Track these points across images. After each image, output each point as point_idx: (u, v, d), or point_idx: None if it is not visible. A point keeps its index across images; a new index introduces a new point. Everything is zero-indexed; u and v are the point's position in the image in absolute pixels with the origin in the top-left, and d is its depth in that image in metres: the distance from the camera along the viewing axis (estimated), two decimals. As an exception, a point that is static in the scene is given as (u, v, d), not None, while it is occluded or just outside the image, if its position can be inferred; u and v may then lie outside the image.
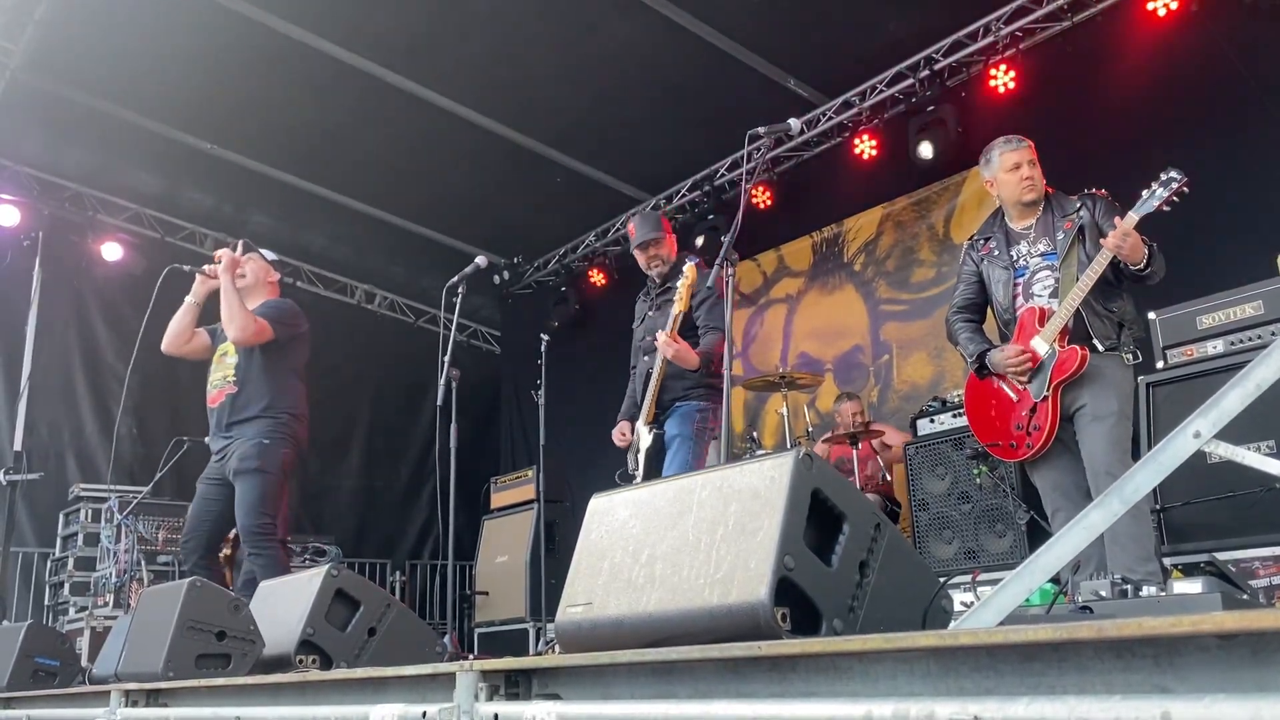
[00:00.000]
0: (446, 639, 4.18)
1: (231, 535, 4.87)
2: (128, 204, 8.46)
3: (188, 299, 4.70)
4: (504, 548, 7.32)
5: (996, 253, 3.81)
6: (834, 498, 1.64)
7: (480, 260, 5.01)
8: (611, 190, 8.29)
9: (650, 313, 4.62)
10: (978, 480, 4.93)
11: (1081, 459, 3.51)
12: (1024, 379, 3.62)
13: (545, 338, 5.96)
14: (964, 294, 3.93)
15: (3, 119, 7.18)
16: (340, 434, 9.33)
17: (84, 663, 5.03)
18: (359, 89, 6.90)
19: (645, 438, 4.36)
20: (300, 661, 2.91)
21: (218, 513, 4.45)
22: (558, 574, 5.75)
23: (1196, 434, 1.49)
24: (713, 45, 6.40)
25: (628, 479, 4.43)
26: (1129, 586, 2.44)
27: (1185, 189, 3.38)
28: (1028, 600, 1.67)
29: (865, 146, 6.95)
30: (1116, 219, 3.44)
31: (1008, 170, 3.74)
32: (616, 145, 7.68)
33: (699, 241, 7.60)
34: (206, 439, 4.61)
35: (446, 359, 4.78)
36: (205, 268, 4.71)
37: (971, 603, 2.39)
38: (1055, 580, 2.56)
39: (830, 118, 7.10)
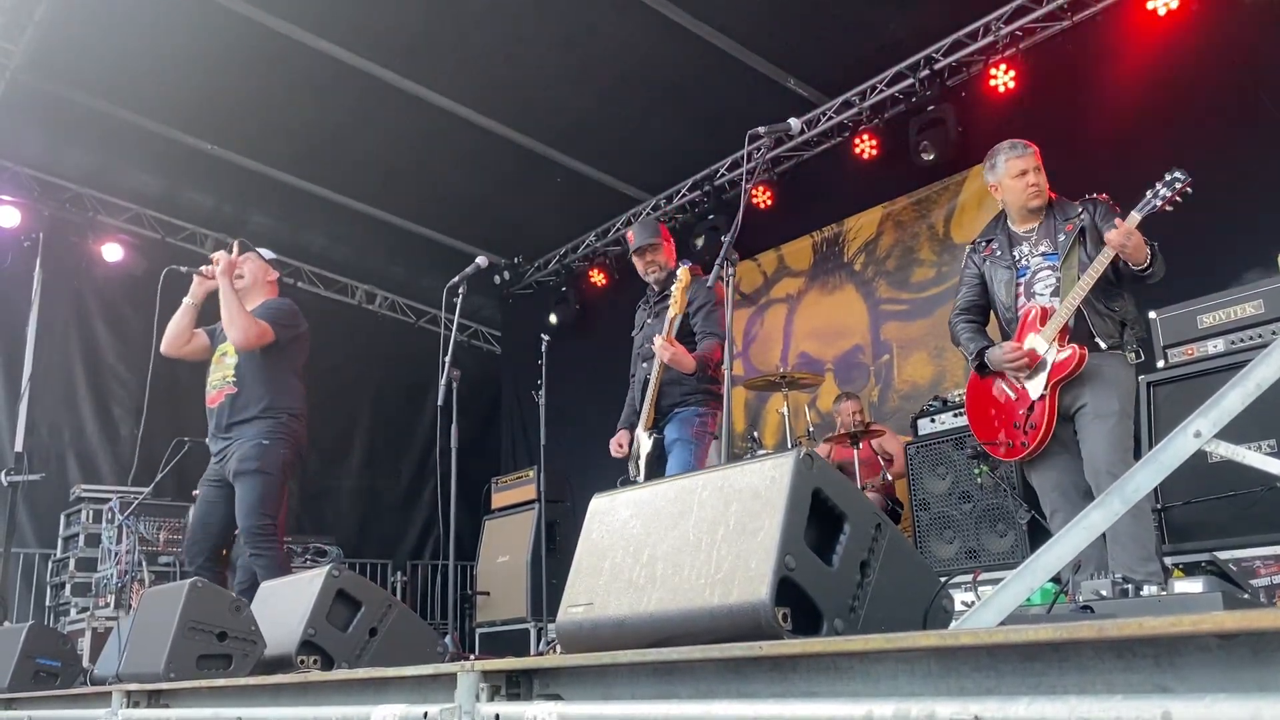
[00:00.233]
0: (448, 639, 4.18)
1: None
2: (128, 204, 8.46)
3: (186, 300, 4.70)
4: (505, 548, 7.33)
5: (999, 253, 3.81)
6: (835, 497, 1.64)
7: (481, 260, 5.01)
8: (612, 190, 8.30)
9: (649, 320, 4.62)
10: (979, 480, 4.93)
11: (1080, 459, 3.51)
12: (1023, 376, 3.62)
13: (546, 338, 5.95)
14: (966, 296, 3.94)
15: (3, 120, 7.19)
16: (341, 434, 9.33)
17: (85, 663, 5.03)
18: (359, 89, 6.90)
19: (645, 443, 4.36)
20: (301, 662, 2.91)
21: (221, 514, 4.45)
22: (559, 574, 5.75)
23: (1197, 433, 1.50)
24: (713, 45, 6.40)
25: (629, 485, 4.42)
26: (1130, 586, 2.44)
27: (1189, 189, 3.39)
28: (1029, 600, 1.67)
29: (865, 146, 6.95)
30: (1117, 220, 3.45)
31: (1013, 176, 3.74)
32: (617, 145, 7.68)
33: (699, 242, 7.61)
34: (207, 440, 4.61)
35: (447, 359, 4.78)
36: (203, 269, 4.71)
37: (972, 602, 2.39)
38: (1056, 580, 2.56)
39: (830, 117, 7.10)
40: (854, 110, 6.98)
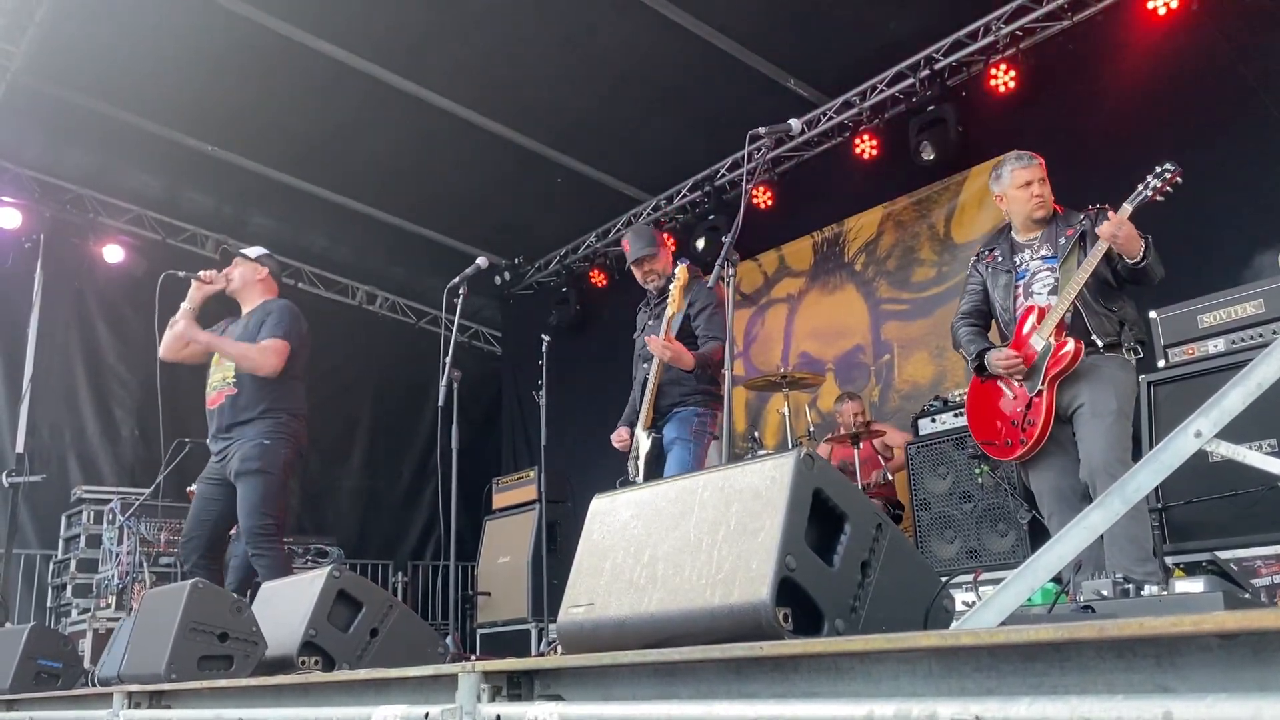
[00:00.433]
0: (449, 640, 4.18)
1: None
2: (129, 206, 8.47)
3: (184, 305, 4.71)
4: (506, 548, 7.33)
5: (1000, 260, 3.84)
6: (835, 498, 1.64)
7: (481, 261, 5.01)
8: (612, 191, 8.30)
9: (649, 322, 4.62)
10: (979, 480, 4.93)
11: (1077, 461, 3.51)
12: (1020, 377, 3.62)
13: (546, 338, 5.96)
14: (969, 302, 3.96)
15: (4, 121, 7.19)
16: (342, 435, 9.33)
17: (87, 664, 5.03)
18: (359, 90, 6.90)
19: (644, 443, 4.36)
20: (303, 663, 2.91)
21: (218, 513, 4.45)
22: (560, 574, 5.75)
23: (1198, 433, 1.50)
24: (713, 45, 6.40)
25: (629, 485, 4.42)
26: (1131, 586, 2.44)
27: (1179, 179, 3.41)
28: (1029, 600, 1.67)
29: (866, 146, 6.94)
30: (1110, 214, 3.46)
31: (1018, 187, 3.75)
32: (617, 145, 7.69)
33: (700, 243, 7.61)
34: (207, 441, 4.62)
35: (448, 360, 4.78)
36: (201, 274, 4.72)
37: (973, 602, 2.39)
38: (1057, 580, 2.56)
39: (831, 118, 7.10)
40: (854, 110, 6.98)
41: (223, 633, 3.00)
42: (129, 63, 6.66)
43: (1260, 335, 3.74)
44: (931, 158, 6.41)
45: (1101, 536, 2.91)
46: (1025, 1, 6.05)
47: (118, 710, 3.01)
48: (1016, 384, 3.66)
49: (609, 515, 1.93)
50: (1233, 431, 1.49)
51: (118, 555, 6.39)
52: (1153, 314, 4.04)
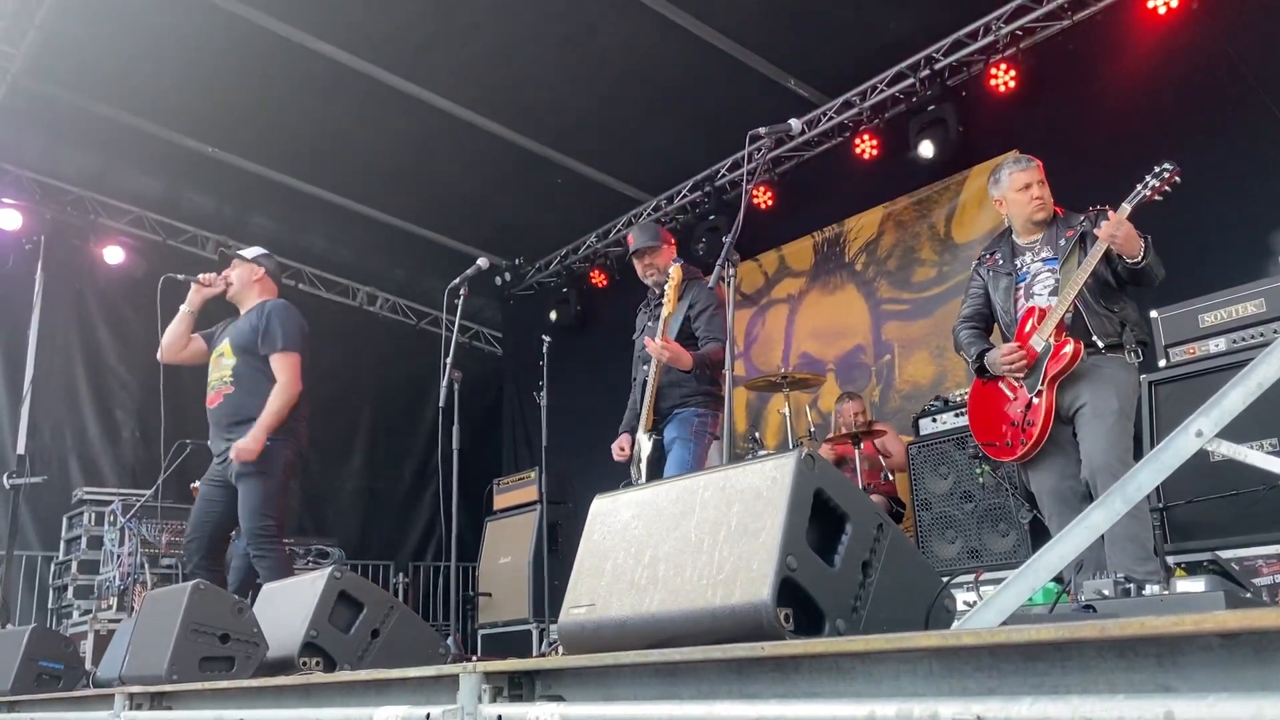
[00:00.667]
0: (450, 640, 4.18)
1: None
2: (129, 207, 8.47)
3: (183, 308, 4.72)
4: (507, 549, 7.33)
5: (1001, 263, 3.84)
6: (836, 498, 1.64)
7: (482, 262, 5.01)
8: (612, 191, 8.30)
9: (649, 323, 4.62)
10: (980, 479, 4.93)
11: (1078, 463, 3.51)
12: (1020, 376, 3.62)
13: (547, 339, 5.96)
14: (970, 306, 3.96)
15: (4, 123, 7.20)
16: (342, 436, 9.33)
17: (88, 666, 5.03)
18: (360, 91, 6.91)
19: (645, 445, 4.36)
20: (304, 664, 2.91)
21: (220, 514, 4.46)
22: (561, 575, 5.74)
23: (1199, 433, 1.50)
24: (713, 46, 6.40)
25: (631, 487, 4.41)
26: (1132, 585, 2.43)
27: (1178, 179, 3.41)
28: (1031, 600, 1.67)
29: (866, 146, 6.95)
30: (1110, 213, 3.46)
31: (1018, 190, 3.75)
32: (617, 146, 7.69)
33: (700, 243, 7.61)
34: (209, 441, 4.62)
35: (448, 360, 4.78)
36: (200, 276, 4.73)
37: (974, 602, 2.39)
38: (1058, 580, 2.56)
39: (831, 118, 7.10)
40: (854, 110, 6.98)
41: (224, 634, 3.00)
42: (129, 64, 6.66)
43: (1261, 334, 3.74)
44: (932, 157, 6.41)
45: (1102, 536, 2.91)
46: (1025, 1, 6.05)
47: (119, 711, 3.02)
48: (1018, 385, 3.66)
49: (610, 516, 1.93)
50: (1234, 431, 1.49)
51: (119, 556, 6.40)
52: (1153, 313, 4.04)
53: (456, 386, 4.77)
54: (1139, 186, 3.46)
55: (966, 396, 4.30)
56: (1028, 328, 3.65)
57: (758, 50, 6.53)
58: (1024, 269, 3.77)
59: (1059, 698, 1.08)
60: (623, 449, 4.55)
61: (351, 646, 3.01)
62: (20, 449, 7.66)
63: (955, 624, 1.68)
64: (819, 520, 1.62)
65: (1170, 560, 3.72)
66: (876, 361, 7.00)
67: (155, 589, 4.97)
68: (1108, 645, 1.08)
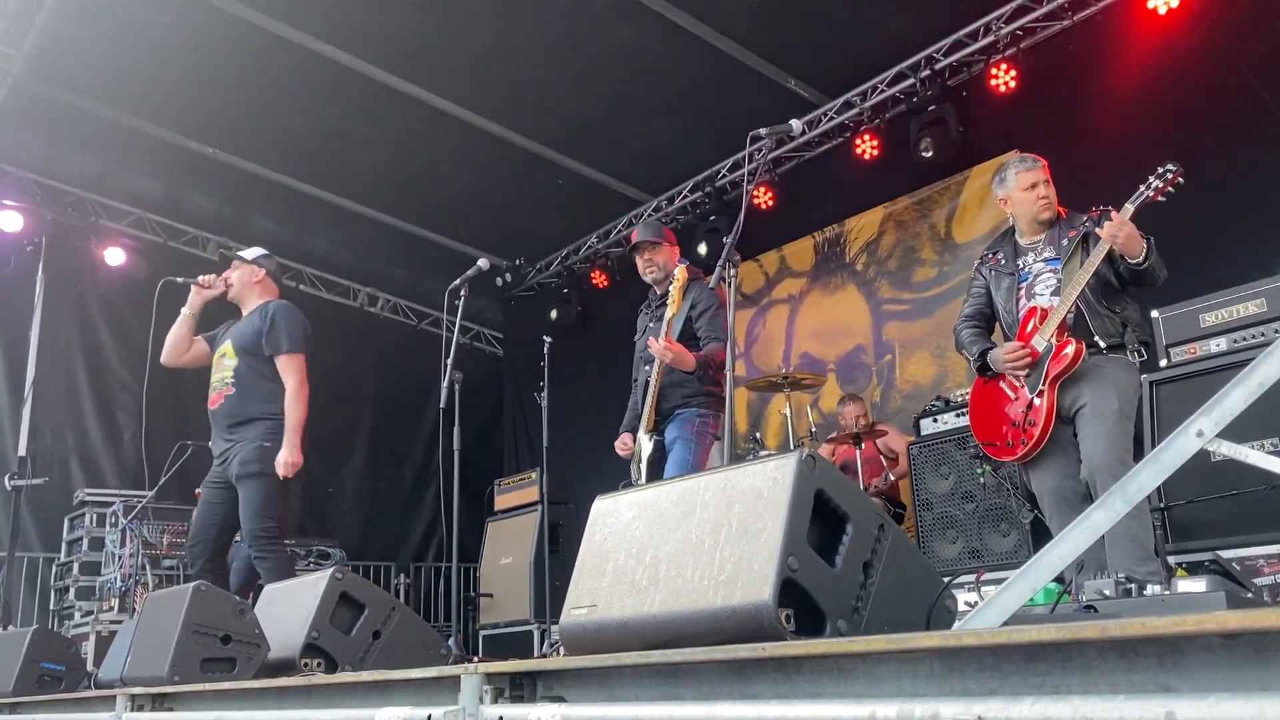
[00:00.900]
0: (451, 641, 4.19)
1: None
2: (130, 209, 8.47)
3: (184, 311, 4.72)
4: (508, 550, 7.33)
5: (1003, 262, 3.84)
6: (837, 498, 1.64)
7: (482, 262, 5.01)
8: (613, 192, 8.30)
9: (650, 324, 4.62)
10: (981, 479, 4.93)
11: (1078, 463, 3.50)
12: (1023, 375, 3.62)
13: (548, 339, 5.97)
14: (971, 305, 3.96)
15: (5, 125, 7.20)
16: (343, 437, 9.34)
17: (89, 667, 5.03)
18: (361, 92, 6.91)
19: (646, 446, 4.36)
20: (305, 665, 2.91)
21: (223, 516, 4.46)
22: (562, 576, 5.76)
23: (1199, 433, 1.50)
24: (713, 47, 6.41)
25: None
26: (1133, 585, 2.43)
27: (1180, 179, 3.41)
28: (1032, 600, 1.67)
29: (866, 146, 6.95)
30: (1113, 214, 3.46)
31: (1023, 189, 3.75)
32: (618, 147, 7.69)
33: (701, 244, 7.61)
34: (210, 443, 4.62)
35: (449, 361, 4.78)
36: (199, 279, 4.73)
37: (975, 603, 2.39)
38: (1059, 580, 2.56)
39: (831, 118, 7.10)
40: (855, 110, 6.98)
41: (225, 635, 3.01)
42: (130, 66, 6.67)
43: (1262, 334, 3.74)
44: (932, 158, 6.41)
45: (1103, 536, 2.91)
46: (1026, 1, 6.05)
47: (120, 713, 3.02)
48: (1019, 385, 3.66)
49: (611, 517, 1.93)
50: (1234, 431, 1.49)
51: (120, 558, 6.40)
52: (1154, 313, 4.04)
53: (457, 387, 4.77)
54: (1141, 187, 3.45)
55: (967, 396, 4.31)
56: (1029, 328, 3.65)
57: (758, 51, 6.54)
58: (1026, 269, 3.77)
59: (1060, 698, 1.08)
60: (626, 445, 4.55)
61: (353, 647, 3.01)
62: (22, 450, 7.67)
63: (956, 624, 1.68)
64: (820, 521, 1.62)
65: (1171, 560, 3.72)
66: (877, 361, 7.00)
67: (156, 590, 4.97)
68: (1109, 645, 1.08)
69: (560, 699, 1.72)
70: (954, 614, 1.76)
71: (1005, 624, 1.46)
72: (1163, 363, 4.00)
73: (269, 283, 4.80)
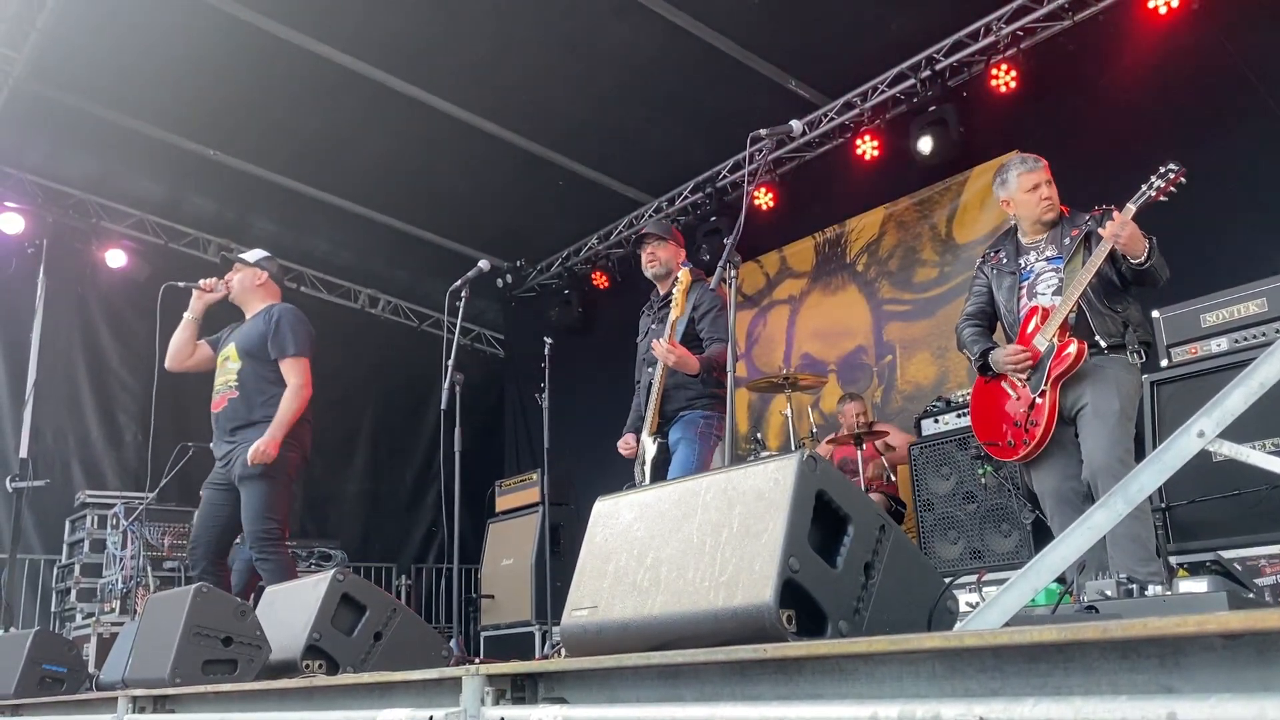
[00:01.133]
0: (452, 643, 4.19)
1: None
2: (131, 211, 8.48)
3: (186, 315, 4.72)
4: (509, 551, 7.33)
5: (1005, 261, 3.84)
6: (838, 499, 1.64)
7: (483, 264, 5.02)
8: (614, 193, 8.30)
9: (653, 326, 4.62)
10: (982, 480, 4.93)
11: (1080, 463, 3.50)
12: (1024, 377, 3.62)
13: (549, 340, 5.96)
14: (973, 304, 3.96)
15: (6, 127, 7.21)
16: (344, 438, 9.34)
17: (91, 669, 5.04)
18: (362, 94, 6.91)
19: (650, 448, 4.36)
20: (306, 666, 2.91)
21: (224, 517, 4.46)
22: (563, 577, 5.76)
23: (1200, 433, 1.50)
24: (713, 47, 6.41)
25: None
26: (1134, 586, 2.43)
27: (1183, 179, 3.41)
28: (1033, 601, 1.67)
29: (867, 147, 6.95)
30: (1115, 214, 3.46)
31: (1026, 191, 3.75)
32: (618, 148, 7.69)
33: (702, 245, 7.61)
34: (211, 445, 4.62)
35: (450, 362, 4.78)
36: (201, 282, 4.73)
37: (977, 603, 2.39)
38: (1060, 580, 2.56)
39: (832, 118, 7.10)
40: (855, 111, 6.98)
41: (227, 637, 3.01)
42: (131, 68, 6.67)
43: (1263, 334, 3.73)
44: (933, 158, 6.41)
45: (1105, 537, 2.91)
46: (1026, 1, 6.05)
47: (122, 714, 3.02)
48: (1020, 385, 3.66)
49: (612, 518, 1.93)
50: (1236, 431, 1.49)
51: (121, 559, 6.40)
52: (1155, 313, 4.03)
53: (458, 388, 4.77)
54: (1144, 187, 3.45)
55: (968, 397, 4.31)
56: (1031, 327, 3.65)
57: (759, 51, 6.54)
58: (1028, 268, 3.76)
59: (1062, 699, 1.08)
60: (629, 445, 4.55)
61: (354, 649, 3.01)
62: (23, 452, 7.67)
63: (958, 625, 1.68)
64: (821, 522, 1.62)
65: (1173, 560, 3.72)
66: (878, 362, 7.00)
67: (158, 592, 4.97)
68: (1110, 646, 1.08)
69: (562, 700, 1.72)
70: (955, 615, 1.75)
71: (1007, 625, 1.46)
72: (1164, 363, 4.00)
73: (271, 285, 4.80)
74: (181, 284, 4.75)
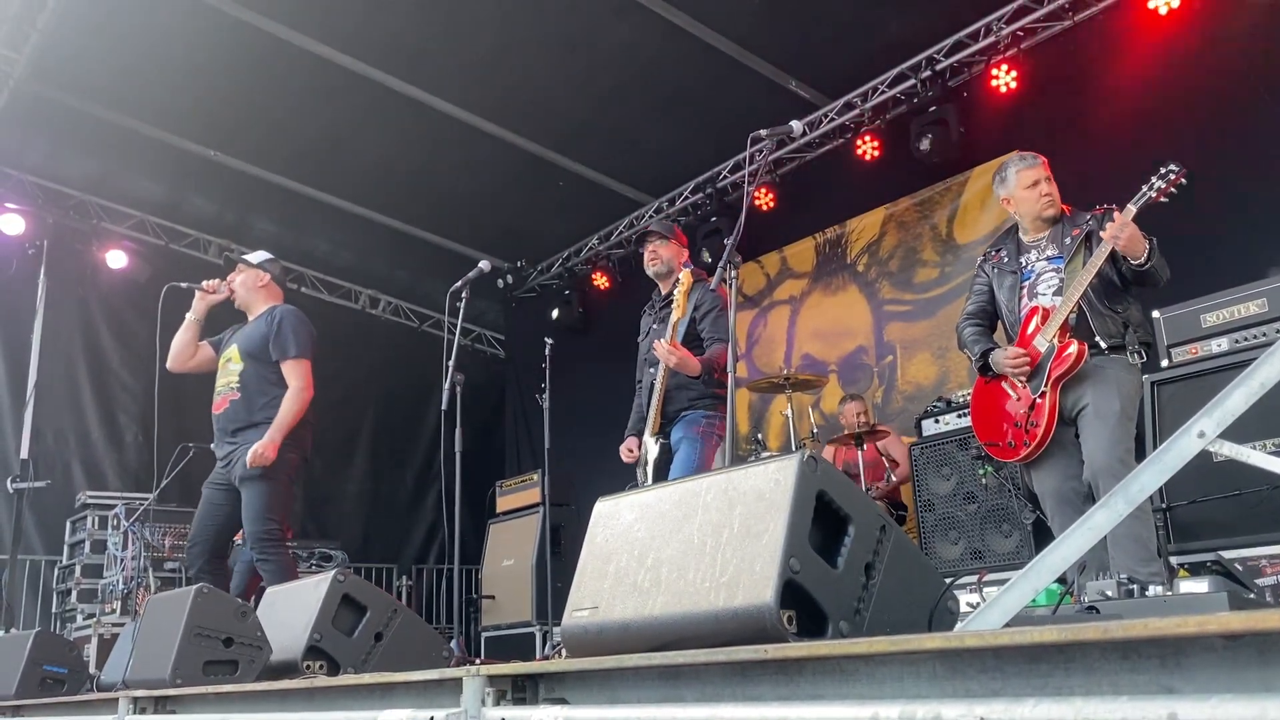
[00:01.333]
0: (453, 643, 4.19)
1: None
2: (131, 211, 8.48)
3: (189, 316, 4.72)
4: (510, 551, 7.33)
5: (1006, 260, 3.83)
6: (839, 500, 1.64)
7: (484, 264, 5.02)
8: (614, 193, 8.30)
9: (654, 325, 4.63)
10: (983, 480, 4.93)
11: (1080, 464, 3.50)
12: (1024, 378, 3.62)
13: (549, 341, 5.97)
14: (974, 303, 3.95)
15: (7, 128, 7.21)
16: (345, 439, 9.34)
17: (92, 670, 5.04)
18: (362, 95, 6.91)
19: (652, 449, 4.36)
20: (307, 667, 2.91)
21: (224, 517, 4.46)
22: (564, 577, 5.76)
23: (1201, 434, 1.50)
24: (714, 48, 6.41)
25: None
26: (1135, 586, 2.43)
27: (1183, 180, 3.40)
28: (1034, 601, 1.67)
29: (867, 147, 6.95)
30: (1116, 214, 3.46)
31: (1026, 187, 3.75)
32: (619, 148, 7.69)
33: (702, 246, 7.61)
34: (212, 445, 4.63)
35: (451, 363, 4.78)
36: (203, 284, 4.74)
37: (978, 604, 2.39)
38: (1061, 581, 2.55)
39: (832, 119, 7.10)
40: (855, 111, 6.98)
41: (227, 638, 3.01)
42: (131, 68, 6.67)
43: (1264, 334, 3.73)
44: (933, 158, 6.41)
45: (1106, 537, 2.90)
46: (1026, 2, 6.05)
47: (123, 715, 3.02)
48: (1020, 385, 3.66)
49: (613, 518, 1.93)
50: (1236, 431, 1.49)
51: (122, 560, 6.40)
52: (1156, 313, 4.03)
53: (459, 389, 4.77)
54: (1144, 188, 3.45)
55: (969, 397, 4.31)
56: (1031, 328, 3.65)
57: (759, 52, 6.54)
58: (1029, 267, 3.76)
59: (1062, 699, 1.08)
60: (631, 450, 4.55)
61: (355, 650, 3.02)
62: (24, 453, 7.67)
63: (959, 626, 1.68)
64: (822, 522, 1.62)
65: (1173, 561, 3.71)
66: (879, 362, 7.00)
67: (159, 593, 4.97)
68: (1111, 647, 1.08)
69: (562, 701, 1.73)
70: (956, 615, 1.75)
71: (1007, 625, 1.46)
72: (1164, 363, 4.00)
73: (274, 287, 4.81)
74: (184, 285, 4.75)
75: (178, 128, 7.42)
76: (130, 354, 8.23)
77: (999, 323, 3.92)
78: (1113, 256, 3.48)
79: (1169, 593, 2.30)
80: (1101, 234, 3.46)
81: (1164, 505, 3.75)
